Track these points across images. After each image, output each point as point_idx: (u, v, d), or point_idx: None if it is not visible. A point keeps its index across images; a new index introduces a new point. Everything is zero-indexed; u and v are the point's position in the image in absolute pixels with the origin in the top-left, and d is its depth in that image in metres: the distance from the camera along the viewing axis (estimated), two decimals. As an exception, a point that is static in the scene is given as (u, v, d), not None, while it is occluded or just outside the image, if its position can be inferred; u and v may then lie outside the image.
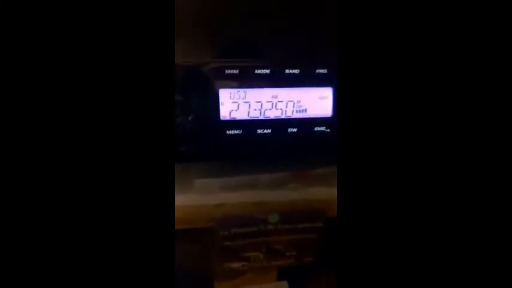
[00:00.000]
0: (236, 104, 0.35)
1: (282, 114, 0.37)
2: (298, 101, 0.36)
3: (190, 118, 0.34)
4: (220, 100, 0.35)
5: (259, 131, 0.36)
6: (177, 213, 0.35)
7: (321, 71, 0.36)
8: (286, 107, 0.36)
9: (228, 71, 0.34)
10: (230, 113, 0.35)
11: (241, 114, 0.36)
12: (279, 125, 0.37)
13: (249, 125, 0.36)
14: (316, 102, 0.37)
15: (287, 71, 0.35)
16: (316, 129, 0.37)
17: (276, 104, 0.36)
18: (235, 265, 0.43)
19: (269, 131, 0.36)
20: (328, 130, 0.37)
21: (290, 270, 0.50)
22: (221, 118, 0.35)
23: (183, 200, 0.37)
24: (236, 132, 0.36)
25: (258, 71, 0.35)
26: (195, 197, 0.38)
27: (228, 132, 0.36)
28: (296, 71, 0.35)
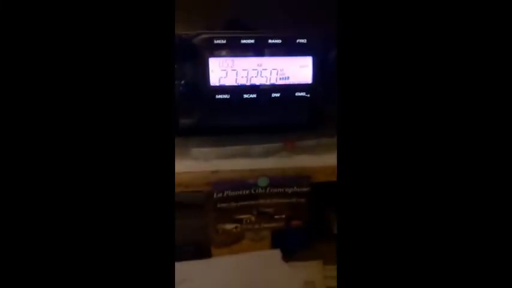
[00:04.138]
0: (225, 71, 0.38)
1: (266, 81, 0.39)
2: (281, 69, 0.39)
3: (182, 83, 0.37)
4: (210, 68, 0.38)
5: (245, 95, 0.39)
6: (178, 179, 0.39)
7: (301, 41, 0.39)
8: (271, 74, 0.39)
9: (216, 41, 0.37)
10: (219, 79, 0.38)
11: (229, 81, 0.39)
12: (264, 90, 0.39)
13: (236, 91, 0.39)
14: (297, 70, 0.40)
15: (270, 41, 0.38)
16: (297, 94, 0.40)
17: (261, 71, 0.39)
18: (229, 226, 0.46)
19: (254, 95, 0.39)
20: (308, 95, 0.40)
21: (282, 239, 0.52)
22: (211, 84, 0.38)
23: (183, 167, 0.40)
24: (224, 96, 0.39)
25: (243, 41, 0.38)
26: (194, 165, 0.41)
27: (217, 96, 0.39)
28: (278, 41, 0.38)
